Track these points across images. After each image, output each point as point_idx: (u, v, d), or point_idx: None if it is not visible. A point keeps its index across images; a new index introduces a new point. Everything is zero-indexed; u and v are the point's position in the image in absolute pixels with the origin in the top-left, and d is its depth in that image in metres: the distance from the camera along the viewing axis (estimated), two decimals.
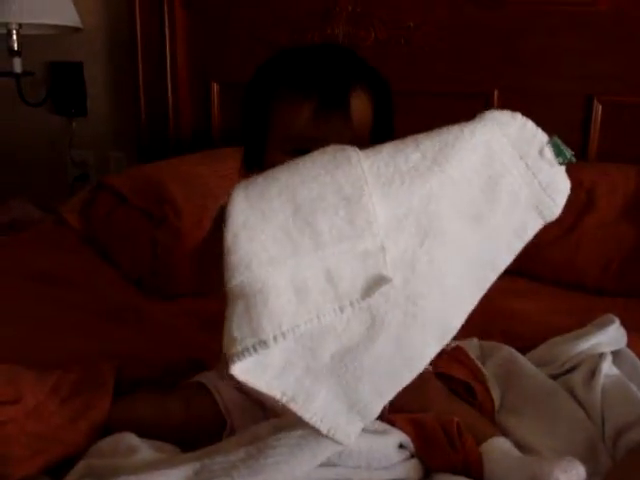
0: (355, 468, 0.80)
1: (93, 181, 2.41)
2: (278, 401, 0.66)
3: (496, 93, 1.93)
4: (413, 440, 0.85)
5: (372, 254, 0.68)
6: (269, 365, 0.65)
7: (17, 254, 1.71)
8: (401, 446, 0.84)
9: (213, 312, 1.08)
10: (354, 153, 0.72)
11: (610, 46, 1.82)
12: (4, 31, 2.18)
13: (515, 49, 1.90)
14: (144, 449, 0.84)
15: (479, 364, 1.10)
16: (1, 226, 2.14)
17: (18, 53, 2.22)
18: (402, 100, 1.04)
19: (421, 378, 0.73)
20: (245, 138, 1.05)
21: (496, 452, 0.86)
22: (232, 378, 0.62)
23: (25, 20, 2.12)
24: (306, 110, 0.94)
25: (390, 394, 0.71)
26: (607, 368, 1.03)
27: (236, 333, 0.62)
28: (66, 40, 2.38)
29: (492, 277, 0.76)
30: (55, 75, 2.48)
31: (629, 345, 1.11)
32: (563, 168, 0.76)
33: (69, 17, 2.17)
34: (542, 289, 1.60)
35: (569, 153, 0.75)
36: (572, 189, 0.77)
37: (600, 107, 1.85)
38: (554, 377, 1.06)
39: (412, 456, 0.85)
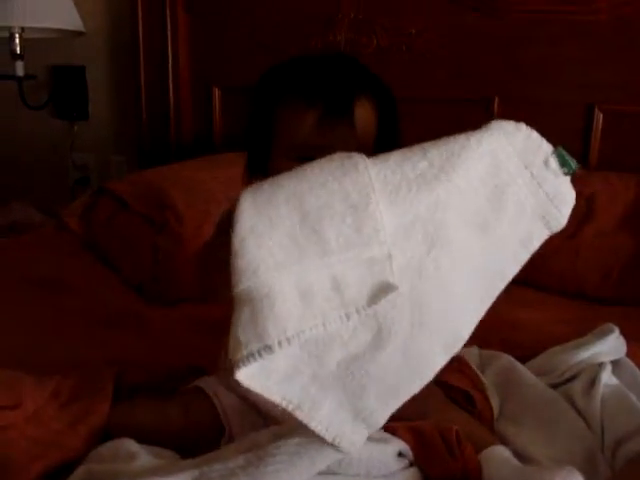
0: (355, 476, 0.79)
1: (94, 185, 2.42)
2: (279, 407, 0.66)
3: (496, 101, 1.94)
4: (412, 448, 0.84)
5: (379, 262, 0.68)
6: (274, 371, 0.65)
7: (17, 258, 1.71)
8: (400, 454, 0.84)
9: (214, 318, 1.09)
10: (361, 160, 0.72)
11: (611, 55, 1.82)
12: (7, 34, 2.18)
13: (516, 57, 1.91)
14: (143, 455, 0.84)
15: (478, 373, 1.10)
16: (1, 228, 2.14)
17: (20, 56, 2.22)
18: (403, 106, 1.04)
19: None
20: (249, 144, 1.06)
21: (495, 461, 0.86)
22: (238, 384, 0.63)
23: (28, 24, 2.13)
24: (311, 118, 0.94)
25: (397, 403, 0.71)
26: (607, 378, 1.03)
27: (242, 338, 0.62)
28: (68, 44, 2.39)
29: (500, 287, 0.76)
30: (57, 79, 2.49)
31: (629, 355, 1.11)
32: (568, 179, 0.76)
33: (72, 21, 2.17)
34: (542, 298, 1.59)
35: (574, 164, 0.75)
36: None
37: (601, 116, 1.86)
38: (554, 386, 1.06)
39: (411, 464, 0.85)
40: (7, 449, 0.87)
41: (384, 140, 0.97)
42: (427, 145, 0.73)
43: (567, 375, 1.07)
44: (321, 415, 0.67)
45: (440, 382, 1.01)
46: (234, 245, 0.66)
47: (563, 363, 1.09)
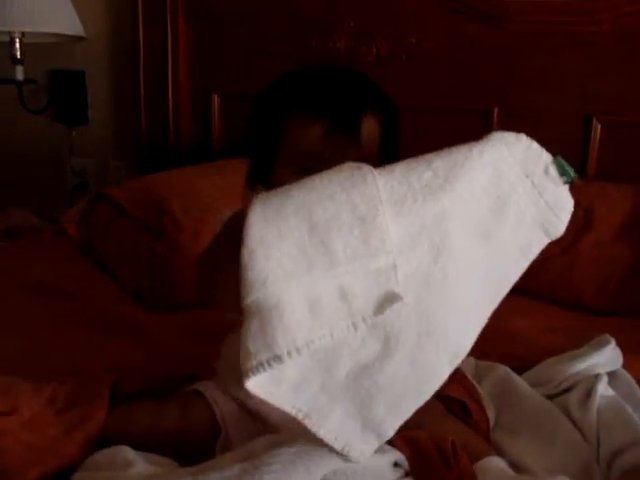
0: None
1: (92, 190, 2.42)
2: (284, 414, 0.67)
3: (496, 110, 1.94)
4: (408, 458, 0.84)
5: (384, 272, 0.69)
6: (284, 380, 0.66)
7: (15, 263, 1.71)
8: (396, 464, 0.84)
9: (211, 325, 1.09)
10: (369, 172, 0.73)
11: (610, 66, 1.83)
12: (7, 39, 2.18)
13: (517, 67, 1.91)
14: (140, 463, 0.84)
15: (475, 383, 1.10)
16: None
17: (20, 61, 2.22)
18: (402, 115, 1.05)
19: None
20: (252, 152, 1.06)
21: (491, 471, 0.86)
22: (237, 390, 0.64)
23: (28, 28, 2.13)
24: (317, 131, 0.94)
25: (406, 414, 0.72)
26: (603, 389, 1.03)
27: (251, 348, 0.63)
28: (68, 49, 2.39)
29: (501, 295, 0.77)
30: (57, 83, 2.48)
31: (625, 366, 1.11)
32: (567, 187, 0.77)
33: (72, 26, 2.18)
34: (539, 307, 1.59)
35: (573, 173, 0.77)
36: None
37: (599, 126, 1.86)
38: (550, 397, 1.07)
39: (407, 474, 0.85)
40: (3, 455, 0.87)
41: (387, 153, 0.98)
42: (430, 156, 0.74)
43: (563, 386, 1.08)
44: (330, 424, 0.68)
45: (436, 392, 1.01)
46: (244, 258, 0.67)
47: (559, 374, 1.09)
